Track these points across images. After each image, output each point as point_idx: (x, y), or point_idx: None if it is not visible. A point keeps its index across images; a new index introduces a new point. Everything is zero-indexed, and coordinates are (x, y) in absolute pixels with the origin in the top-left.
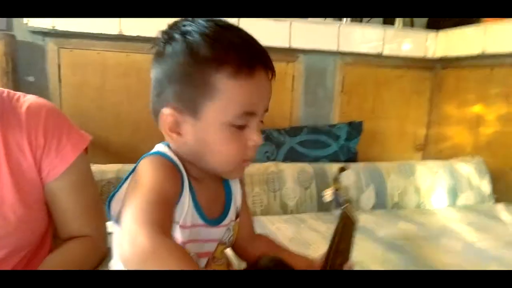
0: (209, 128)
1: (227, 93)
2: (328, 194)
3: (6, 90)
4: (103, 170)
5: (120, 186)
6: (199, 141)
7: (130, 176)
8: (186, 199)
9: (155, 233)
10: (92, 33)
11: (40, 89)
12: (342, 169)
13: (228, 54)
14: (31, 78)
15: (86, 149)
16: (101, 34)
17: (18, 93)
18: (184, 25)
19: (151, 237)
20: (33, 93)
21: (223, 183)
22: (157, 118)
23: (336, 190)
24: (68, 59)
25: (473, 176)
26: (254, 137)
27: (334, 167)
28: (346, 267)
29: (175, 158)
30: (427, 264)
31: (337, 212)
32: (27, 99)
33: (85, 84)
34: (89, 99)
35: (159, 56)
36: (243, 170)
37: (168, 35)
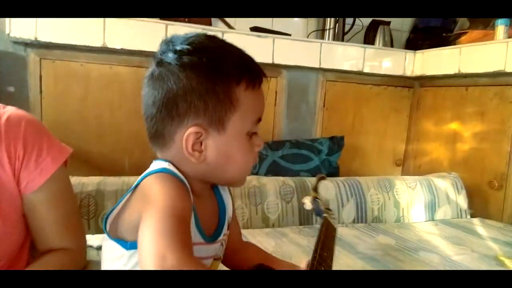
0: (232, 139)
1: (247, 104)
2: (307, 203)
3: None
4: (84, 182)
5: (118, 204)
6: (221, 154)
7: (131, 195)
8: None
9: (182, 253)
10: (76, 45)
11: (20, 100)
12: (320, 178)
13: (244, 68)
14: (11, 89)
15: (65, 162)
16: (84, 46)
17: None
18: (192, 44)
19: (180, 257)
20: (13, 104)
21: (216, 196)
22: (165, 140)
23: (315, 198)
24: (50, 70)
25: (450, 191)
26: (259, 142)
27: (314, 179)
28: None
29: (181, 175)
30: None
31: (308, 208)
32: (7, 110)
33: (67, 96)
34: (70, 111)
35: (164, 71)
36: (247, 175)
37: (174, 50)
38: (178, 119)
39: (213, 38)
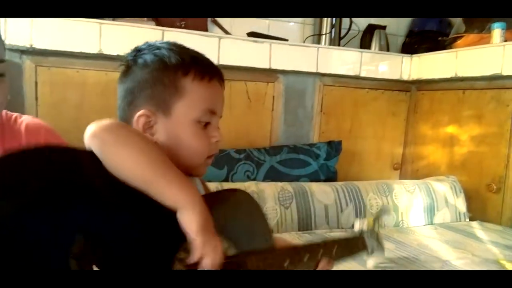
0: (179, 124)
1: (194, 93)
2: (358, 225)
3: (3, 111)
4: None
5: None
6: (170, 138)
7: None
8: None
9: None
10: (71, 52)
11: (15, 107)
12: (383, 211)
13: (193, 62)
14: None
15: None
16: (80, 52)
17: (15, 114)
18: (149, 46)
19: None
20: (8, 111)
21: None
22: None
23: (369, 227)
24: (45, 77)
25: (448, 194)
26: (215, 134)
27: (314, 186)
28: (323, 262)
29: None
30: None
31: (357, 230)
32: (24, 119)
33: (63, 103)
34: (66, 118)
35: (128, 70)
36: (206, 167)
37: (137, 52)
38: (133, 106)
39: (174, 43)
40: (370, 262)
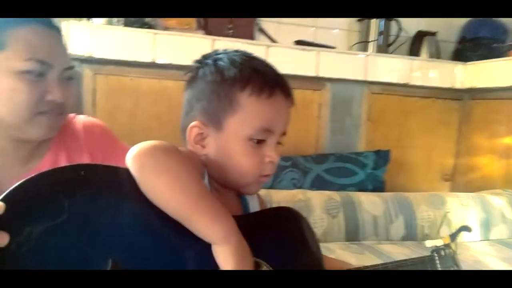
0: (230, 140)
1: (249, 109)
2: (431, 244)
3: None
4: None
5: None
6: (220, 153)
7: None
8: None
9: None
10: (127, 60)
11: (75, 113)
12: (463, 229)
13: (252, 76)
14: None
15: None
16: (135, 61)
17: (71, 114)
18: (216, 54)
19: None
20: None
21: (242, 201)
22: (184, 135)
23: (445, 245)
24: (103, 85)
25: (505, 209)
26: (270, 154)
27: (362, 196)
28: None
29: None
30: None
31: (429, 247)
32: (80, 118)
33: (117, 109)
34: (120, 124)
35: (192, 80)
36: (259, 186)
37: (200, 62)
38: (190, 116)
39: (249, 54)
40: None
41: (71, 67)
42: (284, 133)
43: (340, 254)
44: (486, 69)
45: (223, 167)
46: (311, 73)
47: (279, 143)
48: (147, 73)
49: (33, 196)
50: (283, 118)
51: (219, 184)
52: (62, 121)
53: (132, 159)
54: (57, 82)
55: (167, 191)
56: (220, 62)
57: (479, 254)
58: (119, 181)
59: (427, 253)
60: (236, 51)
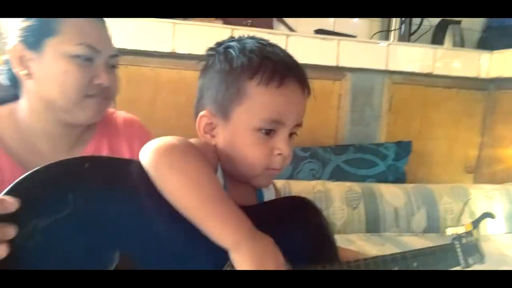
0: (237, 131)
1: (256, 99)
2: (452, 232)
3: None
4: None
5: None
6: (228, 144)
7: None
8: None
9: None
10: (147, 51)
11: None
12: (487, 215)
13: (262, 65)
14: None
15: None
16: (155, 51)
17: (110, 109)
18: (229, 41)
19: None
20: None
21: (257, 191)
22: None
23: (466, 232)
24: (123, 75)
25: None
26: (280, 146)
27: (383, 187)
28: None
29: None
30: None
31: (450, 235)
32: (119, 114)
33: (137, 99)
34: (140, 114)
35: (204, 68)
36: (269, 179)
37: (213, 50)
38: (200, 105)
39: (263, 41)
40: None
41: (116, 55)
42: (299, 125)
43: (361, 245)
44: None
45: (231, 159)
46: (331, 62)
47: (292, 134)
48: (166, 63)
49: (39, 189)
50: (295, 109)
51: (231, 176)
52: (108, 106)
53: (147, 155)
54: (104, 67)
55: (179, 191)
56: (231, 50)
57: (504, 248)
58: (125, 173)
59: (448, 234)
60: (252, 37)
